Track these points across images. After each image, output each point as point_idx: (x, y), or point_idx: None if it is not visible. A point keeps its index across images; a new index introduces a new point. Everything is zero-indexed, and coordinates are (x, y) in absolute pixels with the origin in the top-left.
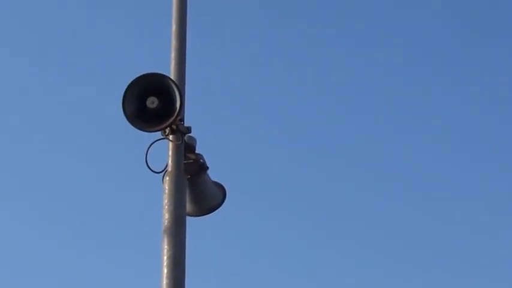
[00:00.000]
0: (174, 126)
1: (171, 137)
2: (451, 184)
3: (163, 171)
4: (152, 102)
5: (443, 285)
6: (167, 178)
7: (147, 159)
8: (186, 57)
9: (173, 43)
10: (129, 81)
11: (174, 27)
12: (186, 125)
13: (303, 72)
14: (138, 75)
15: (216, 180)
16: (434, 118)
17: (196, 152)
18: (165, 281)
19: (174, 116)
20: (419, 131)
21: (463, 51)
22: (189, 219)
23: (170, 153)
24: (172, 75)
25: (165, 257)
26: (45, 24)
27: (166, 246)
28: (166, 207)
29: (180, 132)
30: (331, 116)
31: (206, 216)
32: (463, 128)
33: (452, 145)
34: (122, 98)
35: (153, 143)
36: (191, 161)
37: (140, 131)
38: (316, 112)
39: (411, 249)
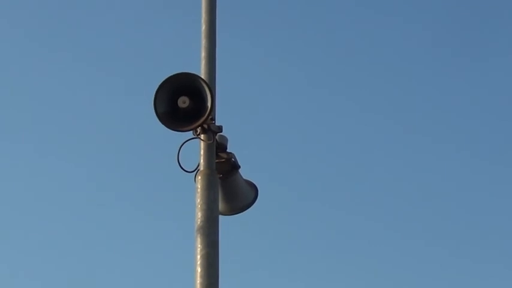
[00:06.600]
0: (205, 126)
1: (202, 136)
2: None
3: (195, 170)
4: (183, 102)
5: None
6: (199, 177)
7: (179, 158)
8: (216, 56)
9: (203, 42)
10: (160, 81)
11: (203, 27)
12: (217, 124)
13: (337, 68)
14: (169, 75)
15: (247, 178)
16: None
17: (228, 150)
18: (198, 280)
19: (206, 116)
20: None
21: None
22: (221, 217)
23: (202, 152)
24: (202, 74)
25: (199, 256)
26: (73, 24)
27: (199, 246)
28: (199, 206)
29: (212, 131)
30: (368, 109)
31: (238, 214)
32: None
33: None
34: (153, 98)
35: (185, 142)
36: (223, 160)
37: (172, 131)
38: (354, 107)
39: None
